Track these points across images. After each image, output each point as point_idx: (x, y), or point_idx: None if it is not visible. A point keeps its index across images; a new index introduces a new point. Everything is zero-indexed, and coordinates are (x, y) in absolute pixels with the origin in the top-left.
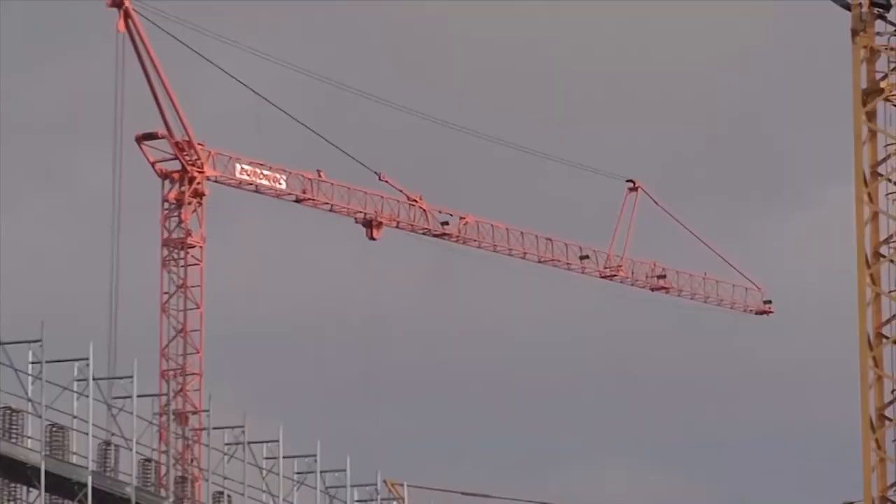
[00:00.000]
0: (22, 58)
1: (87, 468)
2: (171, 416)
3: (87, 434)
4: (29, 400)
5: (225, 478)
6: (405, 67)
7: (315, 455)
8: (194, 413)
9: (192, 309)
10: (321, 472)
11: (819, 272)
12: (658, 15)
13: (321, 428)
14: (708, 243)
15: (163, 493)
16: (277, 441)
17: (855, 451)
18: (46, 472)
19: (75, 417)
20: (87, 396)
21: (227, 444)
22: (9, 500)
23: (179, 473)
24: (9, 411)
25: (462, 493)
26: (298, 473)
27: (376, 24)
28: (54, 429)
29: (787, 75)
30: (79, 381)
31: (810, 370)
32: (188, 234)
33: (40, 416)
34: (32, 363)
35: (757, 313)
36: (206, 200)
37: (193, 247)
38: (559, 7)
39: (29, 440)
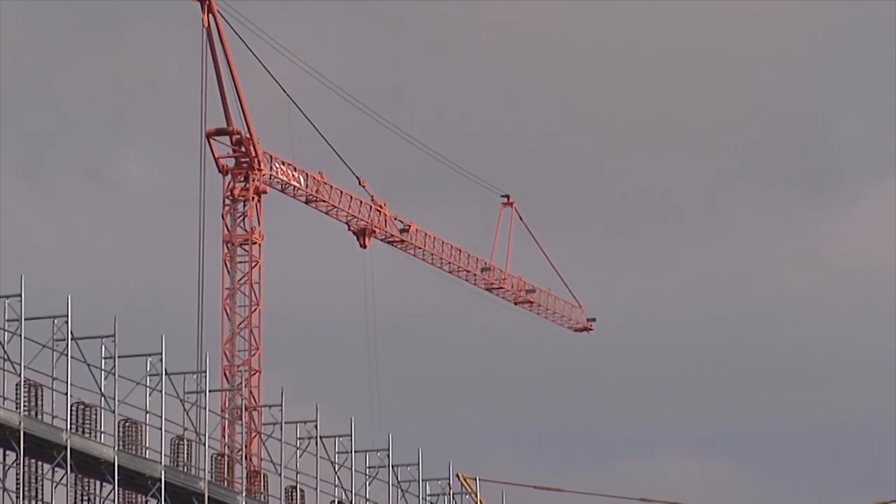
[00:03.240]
0: (71, 49)
1: (160, 463)
2: (237, 412)
3: (159, 429)
4: (102, 395)
5: (298, 472)
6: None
7: (387, 449)
8: (255, 409)
9: (247, 306)
10: (393, 465)
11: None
12: (712, 8)
13: (390, 422)
14: (551, 260)
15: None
16: (349, 435)
17: None
18: (119, 466)
19: (148, 412)
20: (160, 391)
21: (299, 439)
22: (82, 495)
23: (252, 468)
24: (82, 406)
25: (535, 487)
26: (370, 468)
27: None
28: (127, 423)
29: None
30: (151, 375)
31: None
32: (252, 231)
33: (113, 411)
34: (105, 358)
35: (577, 330)
36: (264, 198)
37: (255, 244)
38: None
39: (102, 435)
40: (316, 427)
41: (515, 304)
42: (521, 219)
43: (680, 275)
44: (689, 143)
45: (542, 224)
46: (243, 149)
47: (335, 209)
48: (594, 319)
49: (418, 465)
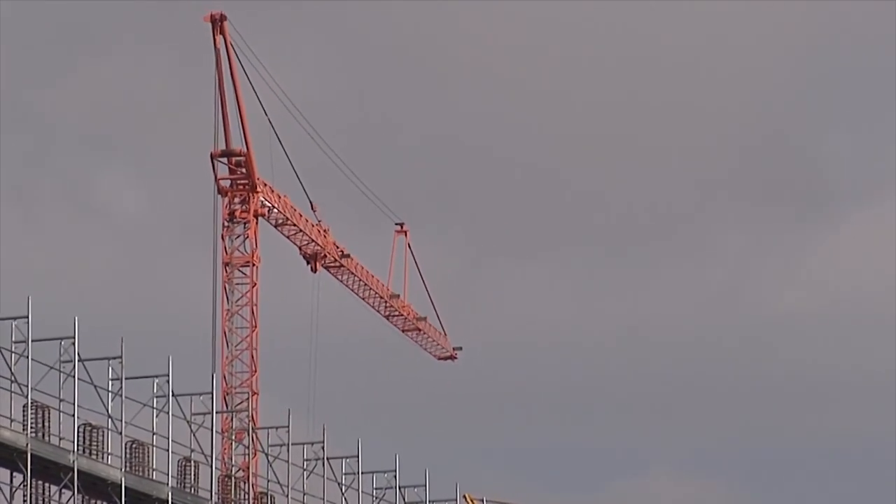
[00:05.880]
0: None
1: (167, 484)
2: (243, 433)
3: (166, 450)
4: (109, 416)
5: (305, 493)
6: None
7: (394, 470)
8: (254, 430)
9: (247, 328)
10: (400, 487)
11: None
12: (695, 28)
13: (397, 443)
14: (429, 288)
15: None
16: (356, 456)
17: None
18: (126, 488)
19: (155, 434)
20: (167, 412)
21: (306, 460)
22: None
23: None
24: (89, 428)
25: None
26: (377, 489)
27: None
28: (134, 445)
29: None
30: (158, 397)
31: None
32: (253, 252)
33: (120, 433)
34: (112, 380)
35: (441, 359)
36: (261, 220)
37: (254, 266)
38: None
39: (109, 456)
40: (323, 448)
41: (403, 331)
42: (409, 247)
43: (670, 294)
44: (673, 163)
45: (529, 240)
46: (243, 170)
47: (298, 233)
48: (460, 348)
49: (425, 486)
